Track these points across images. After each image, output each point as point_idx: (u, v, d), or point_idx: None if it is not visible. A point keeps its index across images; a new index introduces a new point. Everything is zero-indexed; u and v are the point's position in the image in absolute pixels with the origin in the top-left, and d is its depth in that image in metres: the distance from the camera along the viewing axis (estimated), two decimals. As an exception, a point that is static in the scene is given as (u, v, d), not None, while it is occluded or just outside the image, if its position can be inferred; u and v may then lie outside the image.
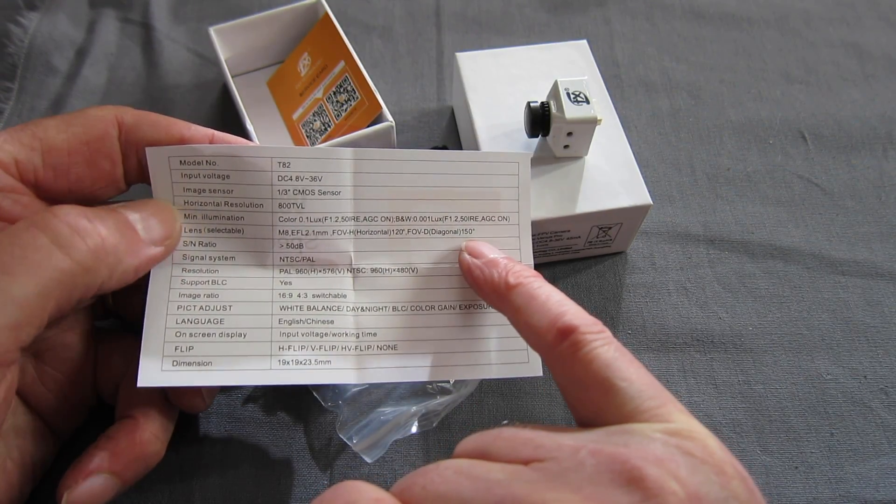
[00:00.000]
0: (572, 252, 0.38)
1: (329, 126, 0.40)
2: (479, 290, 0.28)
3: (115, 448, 0.27)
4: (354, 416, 0.32)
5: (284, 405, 0.33)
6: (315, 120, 0.41)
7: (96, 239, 0.24)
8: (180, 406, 0.29)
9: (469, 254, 0.29)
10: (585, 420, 0.23)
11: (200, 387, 0.29)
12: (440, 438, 0.33)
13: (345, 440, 0.31)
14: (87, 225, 0.24)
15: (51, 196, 0.27)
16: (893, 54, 0.48)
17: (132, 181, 0.29)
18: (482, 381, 0.34)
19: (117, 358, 0.30)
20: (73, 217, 0.24)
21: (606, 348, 0.23)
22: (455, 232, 0.30)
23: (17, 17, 0.48)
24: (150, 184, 0.28)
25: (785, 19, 0.50)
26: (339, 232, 0.29)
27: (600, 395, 0.22)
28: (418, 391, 0.33)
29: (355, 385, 0.32)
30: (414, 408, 0.32)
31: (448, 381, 0.33)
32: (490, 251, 0.29)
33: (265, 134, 0.42)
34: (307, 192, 0.29)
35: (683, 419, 0.22)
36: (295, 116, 0.42)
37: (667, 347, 0.36)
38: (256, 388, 0.34)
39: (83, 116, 0.27)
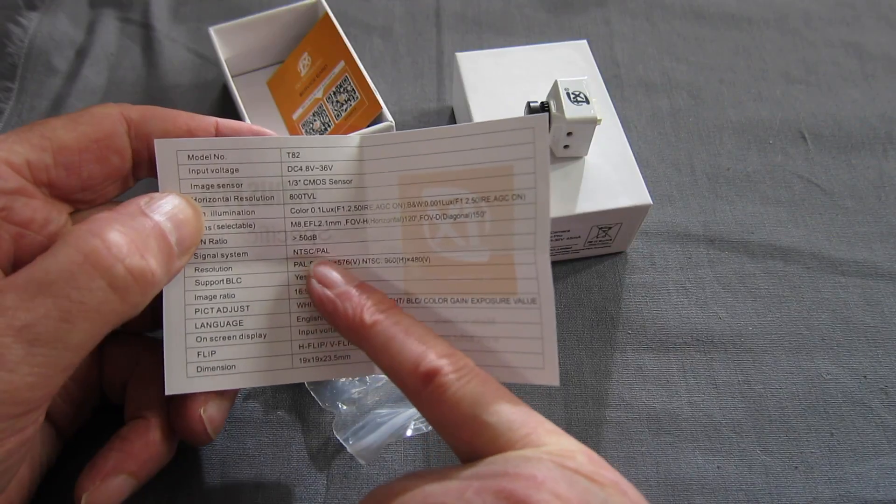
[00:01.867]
0: (572, 252, 0.38)
1: (329, 126, 0.40)
2: (332, 323, 0.26)
3: (130, 449, 0.27)
4: (352, 417, 0.32)
5: (283, 405, 0.33)
6: (315, 120, 0.41)
7: (148, 278, 0.24)
8: (185, 440, 0.29)
9: (318, 281, 0.27)
10: (465, 455, 0.23)
11: (204, 423, 0.28)
12: (440, 438, 0.33)
13: (341, 441, 0.31)
14: (140, 263, 0.23)
15: (63, 195, 0.27)
16: (893, 54, 0.48)
17: (141, 176, 0.29)
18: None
19: (123, 358, 0.30)
20: (125, 252, 0.23)
21: (471, 385, 0.23)
22: (467, 216, 0.28)
23: (17, 17, 0.48)
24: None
25: (785, 19, 0.50)
26: (353, 221, 0.29)
27: (473, 433, 0.23)
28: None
29: (353, 386, 0.32)
30: (411, 410, 0.32)
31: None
32: (340, 278, 0.27)
33: (265, 134, 0.42)
34: (318, 182, 0.28)
35: (553, 439, 0.23)
36: (295, 116, 0.42)
37: (667, 347, 0.36)
38: (256, 387, 0.34)
39: (89, 115, 0.27)
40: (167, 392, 0.27)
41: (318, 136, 0.30)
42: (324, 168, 0.28)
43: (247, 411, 0.33)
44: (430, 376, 0.23)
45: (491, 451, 0.22)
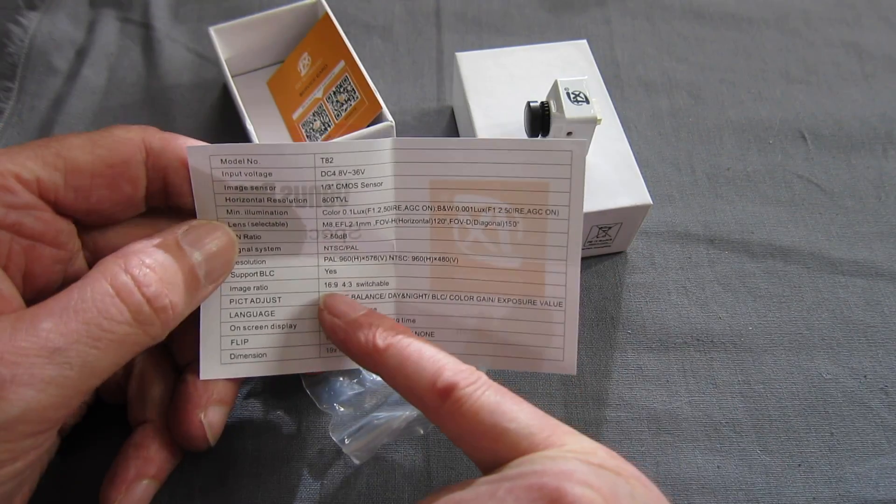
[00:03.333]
0: (572, 252, 0.38)
1: (329, 126, 0.40)
2: (346, 352, 0.27)
3: (147, 454, 0.28)
4: (349, 419, 0.32)
5: (283, 406, 0.33)
6: (315, 120, 0.41)
7: (169, 314, 0.25)
8: (183, 445, 0.29)
9: (329, 312, 0.28)
10: (488, 465, 0.24)
11: (204, 428, 0.28)
12: (441, 439, 0.33)
13: (336, 442, 0.31)
14: (166, 302, 0.24)
15: (69, 214, 0.27)
16: (893, 54, 0.48)
17: (154, 204, 0.28)
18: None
19: None
20: (152, 291, 0.24)
21: (487, 395, 0.24)
22: (499, 224, 0.29)
23: (17, 17, 0.48)
24: (172, 207, 0.28)
25: (785, 19, 0.50)
26: (382, 221, 0.29)
27: (494, 441, 0.23)
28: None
29: (351, 388, 0.32)
30: (407, 413, 0.32)
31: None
32: (351, 308, 0.28)
33: (265, 134, 0.42)
34: (350, 186, 0.29)
35: (573, 440, 0.23)
36: (295, 116, 0.42)
37: (667, 347, 0.36)
38: (256, 384, 0.34)
39: (110, 138, 0.27)
40: (202, 377, 0.28)
41: (351, 140, 0.30)
42: (356, 172, 0.29)
43: (247, 411, 0.33)
44: (448, 391, 0.24)
45: (514, 455, 0.23)
